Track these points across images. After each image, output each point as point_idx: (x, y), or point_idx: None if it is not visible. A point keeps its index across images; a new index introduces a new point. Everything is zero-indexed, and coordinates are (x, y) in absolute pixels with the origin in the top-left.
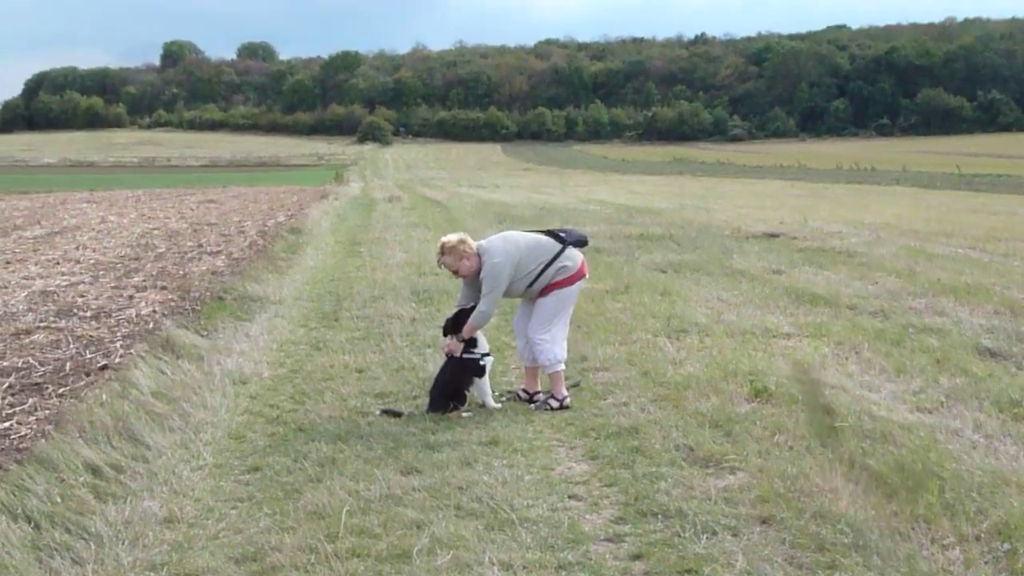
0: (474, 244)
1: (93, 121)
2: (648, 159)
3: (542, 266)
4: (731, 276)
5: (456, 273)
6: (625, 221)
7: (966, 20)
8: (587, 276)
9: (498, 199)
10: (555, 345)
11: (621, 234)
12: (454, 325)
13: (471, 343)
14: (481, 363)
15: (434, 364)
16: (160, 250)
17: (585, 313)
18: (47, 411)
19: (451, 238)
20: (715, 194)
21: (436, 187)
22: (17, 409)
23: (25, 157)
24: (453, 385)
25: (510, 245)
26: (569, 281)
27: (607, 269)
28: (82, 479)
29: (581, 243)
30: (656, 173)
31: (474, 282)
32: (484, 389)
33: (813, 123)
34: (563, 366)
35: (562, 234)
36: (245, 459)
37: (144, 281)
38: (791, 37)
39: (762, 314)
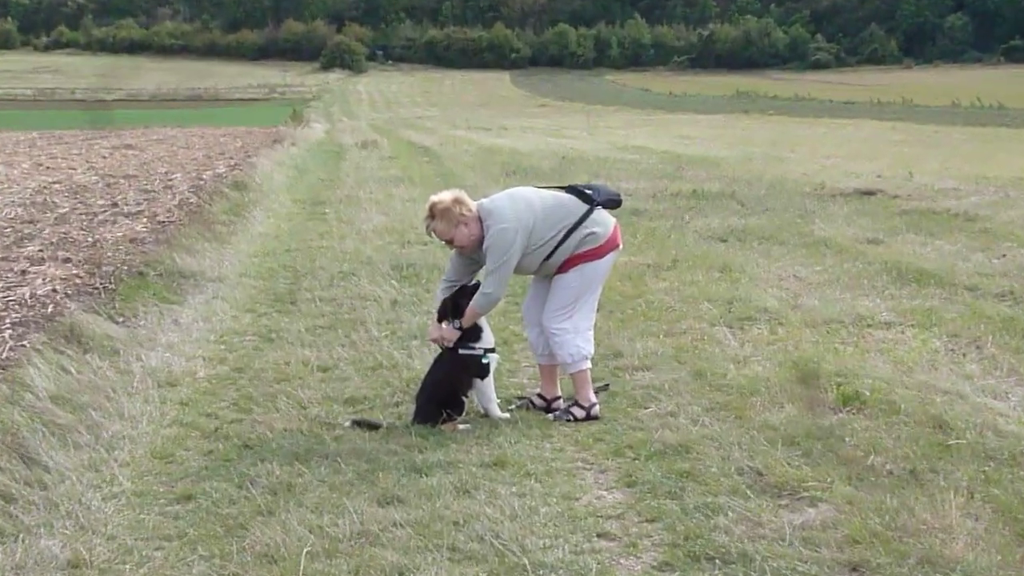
0: (474, 205)
1: None
2: (703, 93)
3: (563, 233)
4: (812, 247)
5: (450, 243)
6: (672, 175)
7: None
8: (621, 246)
9: (506, 146)
10: (578, 336)
11: (667, 192)
12: (454, 308)
13: (472, 334)
14: (484, 361)
15: (422, 361)
16: (62, 210)
17: (619, 295)
18: None
19: (443, 197)
20: (791, 139)
21: (424, 130)
22: None
23: None
24: (447, 388)
25: (521, 206)
26: (598, 253)
27: (649, 237)
28: None
29: (613, 203)
30: (713, 111)
31: (473, 254)
32: (487, 394)
33: (921, 46)
34: (589, 364)
35: (589, 192)
36: (174, 485)
37: (41, 251)
38: None
39: (852, 297)
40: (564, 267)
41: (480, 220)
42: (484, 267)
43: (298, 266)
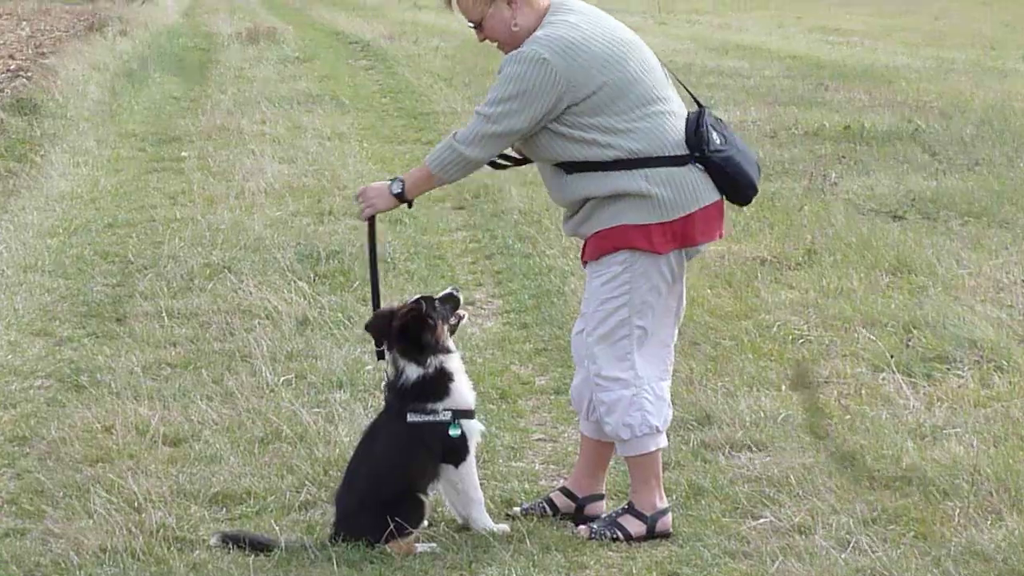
0: None
1: None
2: None
3: (619, 148)
4: None
5: (478, 30)
6: (808, 98)
7: None
8: (711, 239)
9: None
10: (643, 393)
11: (798, 129)
12: (390, 327)
13: (431, 386)
14: (454, 432)
15: (351, 428)
16: None
17: (710, 313)
18: None
19: None
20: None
21: (362, 9)
22: None
23: None
24: (391, 480)
25: (597, 47)
26: (651, 236)
27: (765, 210)
28: None
29: (739, 178)
30: None
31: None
32: (467, 490)
33: None
34: (661, 442)
35: (715, 132)
36: None
37: None
38: None
39: None
40: (602, 243)
41: (542, 13)
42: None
43: (130, 254)
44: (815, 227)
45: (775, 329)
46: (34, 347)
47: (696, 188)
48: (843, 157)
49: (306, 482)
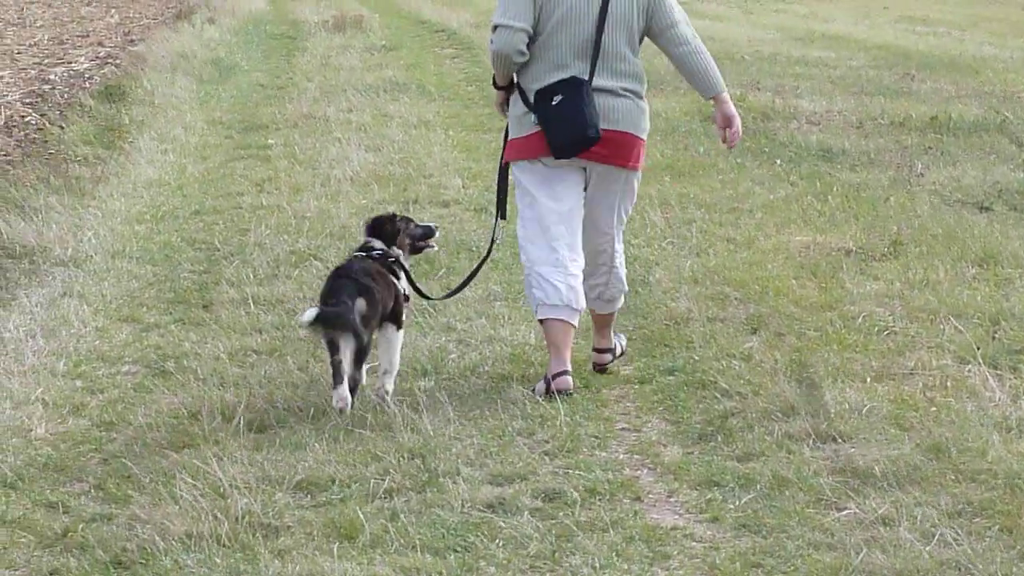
0: None
1: None
2: None
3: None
4: None
5: None
6: (894, 88)
7: None
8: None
9: None
10: (530, 274)
11: (883, 119)
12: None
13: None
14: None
15: (436, 418)
16: None
17: (794, 303)
18: None
19: None
20: None
21: None
22: None
23: None
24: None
25: None
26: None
27: (849, 201)
28: None
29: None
30: None
31: None
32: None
33: None
34: (545, 311)
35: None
36: None
37: None
38: None
39: None
40: None
41: None
42: None
43: (216, 241)
44: (901, 218)
45: (860, 320)
46: (121, 333)
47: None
48: (929, 148)
49: (390, 470)
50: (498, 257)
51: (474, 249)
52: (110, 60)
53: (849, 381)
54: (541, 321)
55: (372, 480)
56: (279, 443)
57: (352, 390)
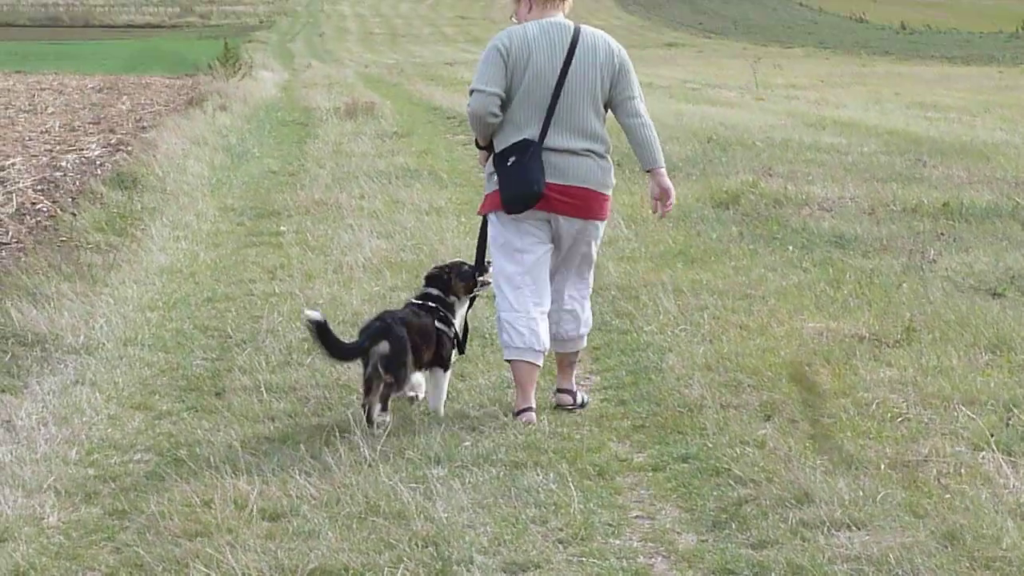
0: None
1: None
2: (963, 27)
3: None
4: None
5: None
6: (905, 174)
7: None
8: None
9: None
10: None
11: (896, 205)
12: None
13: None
14: None
15: (450, 505)
16: None
17: (807, 390)
18: None
19: None
20: None
21: (460, 84)
22: None
23: None
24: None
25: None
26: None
27: (862, 288)
28: None
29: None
30: (982, 60)
31: None
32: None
33: None
34: (510, 353)
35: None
36: None
37: None
38: None
39: None
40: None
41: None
42: None
43: (228, 328)
44: (914, 304)
45: (874, 407)
46: (134, 421)
47: (492, 179)
48: (942, 234)
49: (404, 558)
50: None
51: (487, 336)
52: (122, 147)
53: (863, 468)
54: (508, 361)
55: (386, 568)
56: (292, 531)
57: (368, 418)
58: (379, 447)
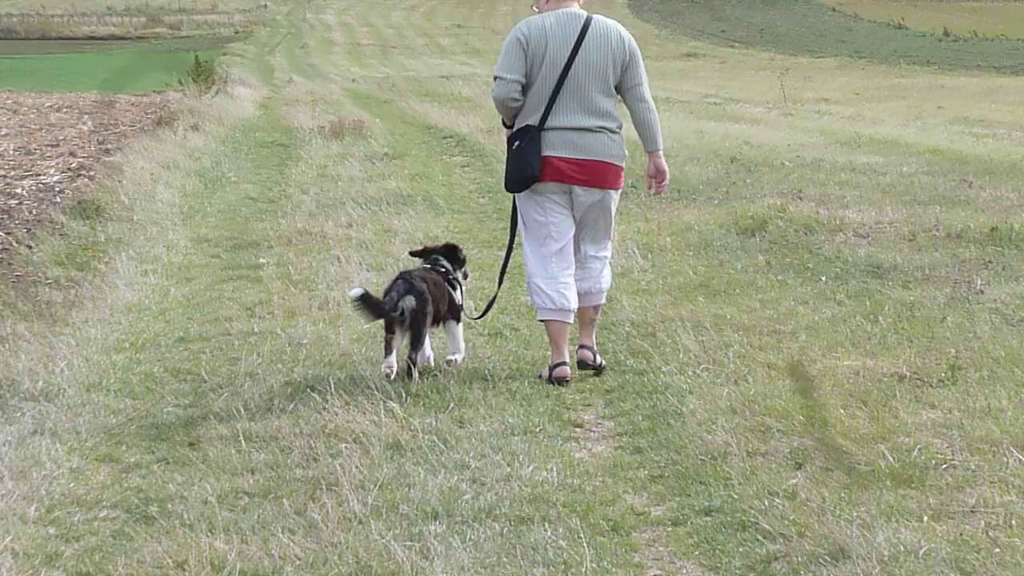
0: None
1: None
2: (1011, 34)
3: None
4: None
5: None
6: (949, 197)
7: None
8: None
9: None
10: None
11: (939, 231)
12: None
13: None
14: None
15: (448, 564)
16: None
17: (842, 434)
18: None
19: None
20: None
21: (457, 101)
22: None
23: None
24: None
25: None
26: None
27: (902, 321)
28: None
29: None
30: None
31: None
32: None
33: None
34: (544, 314)
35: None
36: None
37: None
38: None
39: None
40: None
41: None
42: None
43: (203, 371)
44: (959, 340)
45: (915, 453)
46: (99, 474)
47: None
48: (990, 262)
49: None
50: (515, 388)
51: (488, 378)
52: (83, 172)
53: (904, 520)
54: (542, 321)
55: None
56: None
57: (408, 371)
58: (370, 501)
